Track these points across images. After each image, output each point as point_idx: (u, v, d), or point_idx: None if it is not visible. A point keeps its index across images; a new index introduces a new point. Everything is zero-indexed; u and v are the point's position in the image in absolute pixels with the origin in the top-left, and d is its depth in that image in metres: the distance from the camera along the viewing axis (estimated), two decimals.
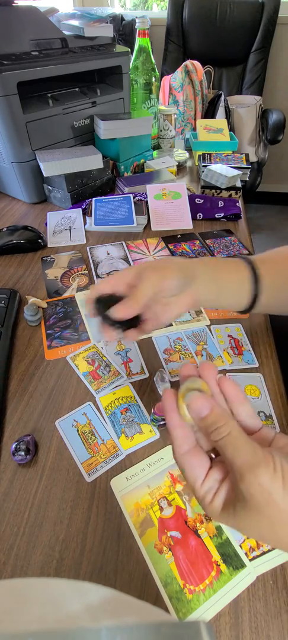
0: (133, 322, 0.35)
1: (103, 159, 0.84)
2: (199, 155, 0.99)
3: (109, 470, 0.37)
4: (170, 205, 0.80)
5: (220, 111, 1.87)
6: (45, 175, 0.78)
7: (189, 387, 0.24)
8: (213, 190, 0.88)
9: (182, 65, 1.66)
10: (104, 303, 0.34)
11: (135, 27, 0.99)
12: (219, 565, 0.31)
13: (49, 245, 0.72)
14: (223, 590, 0.30)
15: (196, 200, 0.82)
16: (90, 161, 0.81)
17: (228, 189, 0.87)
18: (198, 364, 0.34)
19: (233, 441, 0.23)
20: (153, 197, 0.81)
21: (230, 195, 0.87)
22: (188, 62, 1.66)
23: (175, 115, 1.14)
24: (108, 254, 0.69)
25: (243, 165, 0.96)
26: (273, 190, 2.89)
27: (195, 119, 1.71)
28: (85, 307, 0.40)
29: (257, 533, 0.23)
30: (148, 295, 0.34)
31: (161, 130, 1.12)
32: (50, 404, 0.43)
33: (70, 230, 0.75)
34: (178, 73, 1.66)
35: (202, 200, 0.82)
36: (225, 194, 0.87)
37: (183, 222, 0.78)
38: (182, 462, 0.25)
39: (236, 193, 0.87)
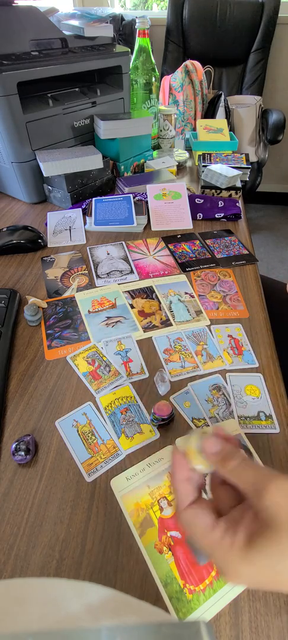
0: None
1: (103, 159, 0.84)
2: (199, 155, 0.99)
3: (109, 470, 0.37)
4: (170, 205, 0.80)
5: (220, 111, 1.87)
6: (45, 175, 0.77)
7: (195, 437, 0.25)
8: (213, 190, 0.88)
9: (182, 65, 1.66)
10: None
11: (135, 27, 0.99)
12: None
13: (49, 245, 0.72)
14: (223, 590, 0.30)
15: (196, 200, 0.82)
16: (90, 161, 0.81)
17: (228, 189, 0.87)
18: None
19: (246, 465, 0.22)
20: (153, 197, 0.81)
21: (230, 195, 0.87)
22: (188, 62, 1.66)
23: (175, 115, 1.14)
24: (108, 254, 0.69)
25: (243, 165, 0.96)
26: (273, 190, 2.89)
27: (195, 119, 1.71)
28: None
29: None
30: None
31: (161, 130, 1.12)
32: (50, 404, 0.43)
33: (70, 230, 0.75)
34: (178, 73, 1.66)
35: (202, 200, 0.82)
36: (225, 194, 0.87)
37: (183, 222, 0.78)
38: (188, 515, 0.23)
39: (236, 193, 0.87)
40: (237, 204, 0.81)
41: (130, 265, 0.66)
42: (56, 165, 0.77)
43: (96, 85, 0.93)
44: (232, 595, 0.30)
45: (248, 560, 0.19)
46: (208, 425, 0.41)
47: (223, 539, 0.21)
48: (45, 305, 0.57)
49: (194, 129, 1.63)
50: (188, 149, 1.18)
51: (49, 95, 0.82)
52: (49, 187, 0.83)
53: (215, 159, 0.98)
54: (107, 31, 0.88)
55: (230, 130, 1.18)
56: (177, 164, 1.00)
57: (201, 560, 0.24)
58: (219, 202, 0.81)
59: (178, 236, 0.74)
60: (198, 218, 0.80)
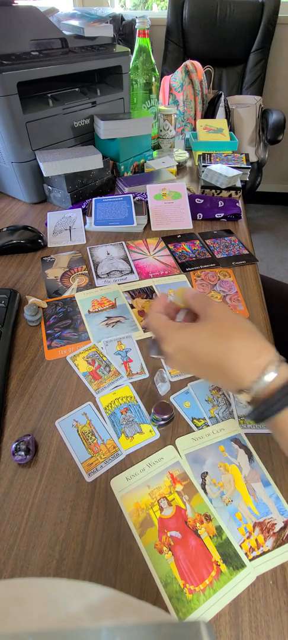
0: None
1: (103, 159, 0.84)
2: (199, 155, 0.99)
3: (109, 470, 0.37)
4: (170, 205, 0.80)
5: (220, 111, 1.87)
6: (45, 175, 0.78)
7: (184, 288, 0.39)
8: (213, 190, 0.88)
9: (182, 65, 1.66)
10: None
11: (135, 27, 0.99)
12: (219, 565, 0.31)
13: (49, 245, 0.72)
14: (223, 590, 0.30)
15: (196, 200, 0.82)
16: (90, 161, 0.81)
17: (228, 189, 0.87)
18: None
19: (204, 297, 0.37)
20: (153, 197, 0.81)
21: (230, 195, 0.87)
22: (188, 62, 1.66)
23: (175, 115, 1.14)
24: (108, 254, 0.69)
25: (243, 165, 0.96)
26: (273, 190, 2.89)
27: (195, 119, 1.71)
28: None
29: (210, 331, 0.34)
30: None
31: (161, 130, 1.12)
32: (50, 404, 0.43)
33: (70, 230, 0.75)
34: (178, 73, 1.66)
35: (202, 200, 0.82)
36: (225, 194, 0.87)
37: (183, 222, 0.78)
38: (158, 314, 0.37)
39: (236, 193, 0.87)
40: (237, 204, 0.81)
41: (130, 265, 0.66)
42: (56, 165, 0.77)
43: (96, 85, 0.93)
44: (232, 595, 0.30)
45: (179, 332, 0.34)
46: (208, 425, 0.41)
47: (172, 324, 0.36)
48: (45, 305, 0.57)
49: (194, 129, 1.63)
50: (188, 149, 1.18)
51: (49, 95, 0.82)
52: (49, 187, 0.83)
53: (215, 159, 0.98)
54: (107, 31, 0.88)
55: (230, 130, 1.18)
56: (177, 164, 1.00)
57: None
58: (219, 202, 0.81)
59: (178, 236, 0.74)
60: (198, 218, 0.80)
